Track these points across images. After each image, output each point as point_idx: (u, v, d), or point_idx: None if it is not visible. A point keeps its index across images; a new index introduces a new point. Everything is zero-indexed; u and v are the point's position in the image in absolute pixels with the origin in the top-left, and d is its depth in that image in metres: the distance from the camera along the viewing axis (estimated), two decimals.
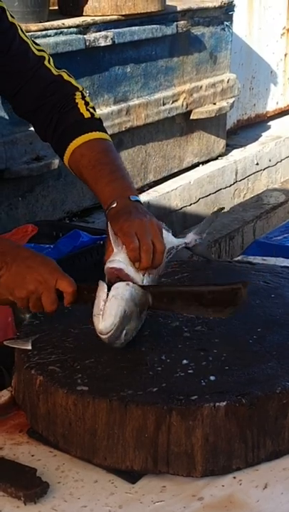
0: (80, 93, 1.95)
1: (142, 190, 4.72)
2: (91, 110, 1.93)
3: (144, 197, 4.63)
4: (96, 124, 1.92)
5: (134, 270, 1.63)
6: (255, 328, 1.68)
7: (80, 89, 1.97)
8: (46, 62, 1.94)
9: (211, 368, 1.52)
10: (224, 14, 5.15)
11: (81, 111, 1.91)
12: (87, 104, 1.93)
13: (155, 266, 1.66)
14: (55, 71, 1.95)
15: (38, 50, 1.94)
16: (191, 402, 1.40)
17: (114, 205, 1.73)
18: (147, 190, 4.76)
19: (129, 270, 1.62)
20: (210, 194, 5.18)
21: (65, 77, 1.96)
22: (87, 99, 1.96)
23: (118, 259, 1.62)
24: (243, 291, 1.55)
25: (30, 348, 1.60)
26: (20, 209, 3.80)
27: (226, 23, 5.16)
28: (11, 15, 1.91)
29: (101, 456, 1.44)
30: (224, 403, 1.40)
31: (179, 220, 4.88)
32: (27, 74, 1.91)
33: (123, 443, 1.42)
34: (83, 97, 1.94)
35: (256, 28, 6.11)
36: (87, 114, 1.91)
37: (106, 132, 1.93)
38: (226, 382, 1.46)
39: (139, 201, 1.78)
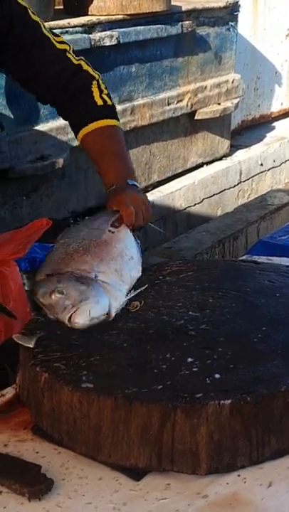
0: (96, 82, 2.15)
1: (146, 190, 4.72)
2: (104, 97, 2.14)
3: (148, 197, 4.61)
4: (107, 111, 2.14)
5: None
6: (260, 327, 1.68)
7: (97, 77, 2.17)
8: (67, 54, 2.14)
9: (215, 366, 1.52)
10: (229, 14, 5.14)
11: (95, 99, 2.13)
12: (101, 91, 2.15)
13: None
14: (75, 60, 2.15)
15: (59, 43, 2.15)
16: (195, 399, 1.41)
17: (114, 187, 2.04)
18: (151, 190, 4.76)
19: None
20: (214, 194, 5.17)
21: (84, 66, 2.17)
22: (102, 86, 2.16)
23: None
24: None
25: (32, 346, 1.60)
26: (25, 208, 3.79)
27: (231, 23, 5.16)
28: (33, 12, 2.12)
29: (106, 453, 1.44)
30: (229, 401, 1.40)
31: (183, 220, 4.88)
32: (50, 67, 2.11)
33: (128, 440, 1.42)
34: (99, 85, 2.15)
35: (261, 28, 6.10)
36: (99, 102, 2.13)
37: (116, 118, 2.16)
38: (230, 381, 1.47)
39: (135, 185, 2.08)
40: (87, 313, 1.61)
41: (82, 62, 2.18)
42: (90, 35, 3.99)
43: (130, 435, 1.42)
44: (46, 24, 3.75)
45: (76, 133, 2.17)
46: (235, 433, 1.41)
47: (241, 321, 1.71)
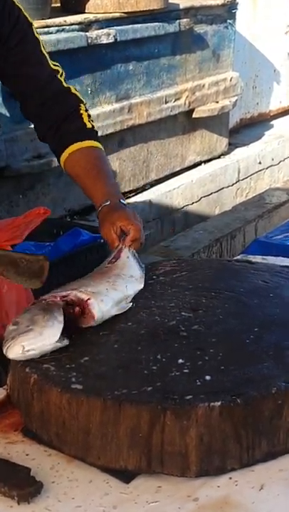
0: (83, 106, 2.23)
1: (143, 188, 4.71)
2: (92, 123, 2.22)
3: (146, 195, 4.62)
4: (94, 134, 2.21)
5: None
6: (253, 327, 1.66)
7: (84, 102, 2.25)
8: (59, 76, 2.22)
9: (206, 367, 1.50)
10: (227, 12, 5.13)
11: (84, 121, 2.20)
12: (89, 116, 2.23)
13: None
14: (65, 84, 2.23)
15: (54, 65, 2.22)
16: (185, 401, 1.39)
17: (108, 203, 2.03)
18: (149, 188, 4.75)
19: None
20: (212, 193, 5.17)
21: (73, 90, 2.24)
22: (89, 112, 2.24)
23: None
24: (45, 263, 1.72)
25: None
26: (21, 207, 3.79)
27: (229, 21, 5.15)
28: (37, 32, 2.22)
29: (95, 455, 1.43)
30: (219, 403, 1.39)
31: (180, 218, 4.87)
32: (41, 82, 2.18)
33: (117, 442, 1.41)
34: (86, 110, 2.23)
35: (259, 26, 6.09)
36: (88, 125, 2.20)
37: (101, 143, 2.22)
38: (221, 382, 1.45)
39: (126, 206, 2.09)
40: (20, 346, 1.53)
41: (72, 87, 2.25)
42: (87, 33, 3.99)
43: (119, 437, 1.40)
44: (43, 22, 3.79)
45: (60, 150, 2.17)
46: (225, 435, 1.40)
47: (234, 321, 1.70)
